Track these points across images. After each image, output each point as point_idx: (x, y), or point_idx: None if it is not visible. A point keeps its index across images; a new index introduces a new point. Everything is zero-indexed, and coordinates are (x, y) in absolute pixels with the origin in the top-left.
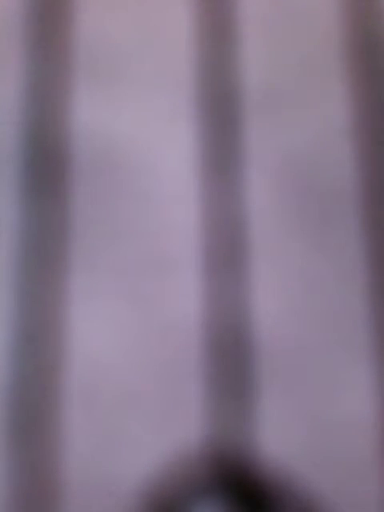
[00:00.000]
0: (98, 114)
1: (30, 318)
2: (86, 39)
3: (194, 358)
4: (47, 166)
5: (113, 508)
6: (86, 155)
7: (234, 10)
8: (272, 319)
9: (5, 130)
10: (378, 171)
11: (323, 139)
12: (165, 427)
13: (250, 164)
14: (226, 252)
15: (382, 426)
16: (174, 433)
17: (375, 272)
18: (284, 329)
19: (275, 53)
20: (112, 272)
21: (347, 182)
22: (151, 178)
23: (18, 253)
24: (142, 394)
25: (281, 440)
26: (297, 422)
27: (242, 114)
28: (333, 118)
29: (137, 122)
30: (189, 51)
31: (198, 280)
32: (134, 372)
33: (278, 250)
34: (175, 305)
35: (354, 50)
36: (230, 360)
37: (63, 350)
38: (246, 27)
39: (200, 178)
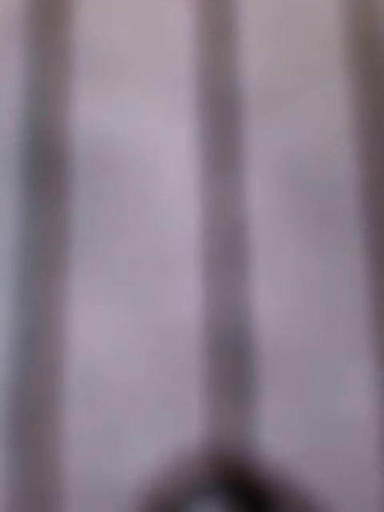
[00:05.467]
0: (97, 114)
1: (30, 319)
2: (85, 39)
3: (194, 358)
4: (47, 165)
5: (113, 508)
6: (86, 155)
7: (234, 10)
8: (272, 319)
9: (5, 130)
10: (378, 171)
11: (323, 139)
12: (165, 427)
13: (250, 164)
14: (226, 252)
15: (382, 426)
16: (174, 433)
17: (375, 272)
18: (284, 329)
19: (275, 53)
20: (112, 272)
21: (347, 182)
22: (151, 178)
23: (18, 253)
24: (142, 394)
25: (281, 440)
26: (297, 422)
27: (242, 113)
28: (333, 117)
29: (137, 122)
30: (189, 51)
31: (198, 280)
32: (134, 372)
33: (278, 250)
34: (175, 305)
35: (354, 49)
36: (230, 360)
37: (63, 351)
38: (245, 27)
39: (200, 178)
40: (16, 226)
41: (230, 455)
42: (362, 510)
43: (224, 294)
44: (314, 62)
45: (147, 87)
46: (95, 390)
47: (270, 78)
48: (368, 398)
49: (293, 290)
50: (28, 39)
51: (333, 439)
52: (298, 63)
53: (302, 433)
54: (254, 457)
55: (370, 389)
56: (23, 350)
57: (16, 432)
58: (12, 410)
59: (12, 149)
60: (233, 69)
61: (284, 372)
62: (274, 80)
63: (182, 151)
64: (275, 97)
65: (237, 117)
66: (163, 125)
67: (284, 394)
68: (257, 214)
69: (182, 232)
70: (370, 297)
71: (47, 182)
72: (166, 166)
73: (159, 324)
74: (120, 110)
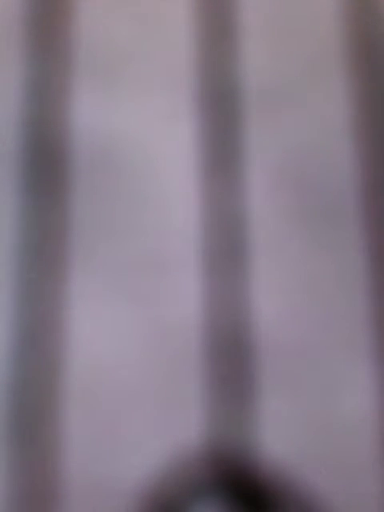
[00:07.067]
0: (97, 114)
1: (30, 318)
2: (86, 39)
3: (194, 358)
4: (47, 165)
5: (113, 508)
6: (86, 155)
7: (234, 9)
8: (272, 319)
9: (5, 130)
10: (378, 171)
11: (323, 139)
12: (165, 428)
13: (250, 163)
14: (226, 252)
15: (382, 426)
16: (174, 433)
17: (375, 271)
18: (284, 329)
19: (275, 52)
20: (112, 272)
21: (347, 182)
22: (151, 178)
23: (18, 253)
24: (142, 394)
25: (281, 440)
26: (297, 422)
27: (242, 113)
28: (333, 117)
29: (137, 122)
30: (189, 51)
31: (198, 280)
32: (134, 372)
33: (278, 250)
34: (175, 305)
35: (354, 49)
36: (230, 360)
37: (63, 350)
38: (246, 27)
39: (200, 177)
40: (16, 226)
41: (229, 455)
42: (362, 510)
43: (224, 294)
44: (314, 61)
45: (147, 87)
46: (95, 389)
47: (270, 78)
48: (368, 398)
49: (293, 290)
50: (28, 39)
51: (333, 439)
52: (298, 63)
53: (301, 433)
54: (253, 457)
55: (370, 389)
56: (23, 350)
57: (16, 432)
58: (12, 410)
59: (12, 149)
60: (233, 68)
61: (284, 372)
62: (274, 79)
63: (182, 150)
64: (275, 96)
65: (237, 116)
66: (163, 124)
67: (284, 393)
68: (257, 214)
69: (183, 231)
70: (369, 297)
71: (47, 182)
72: (167, 166)
73: (159, 324)
74: (120, 109)
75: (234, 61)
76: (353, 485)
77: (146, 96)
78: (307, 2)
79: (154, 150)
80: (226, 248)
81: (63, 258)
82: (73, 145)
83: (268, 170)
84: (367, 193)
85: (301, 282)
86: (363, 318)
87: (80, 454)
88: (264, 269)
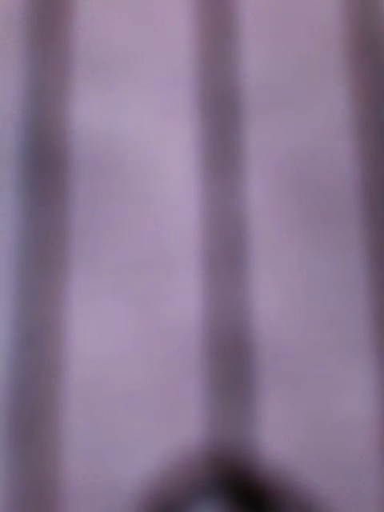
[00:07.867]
0: (97, 114)
1: (30, 318)
2: (86, 39)
3: (194, 358)
4: (47, 165)
5: (113, 508)
6: (86, 155)
7: (234, 8)
8: (272, 319)
9: (5, 130)
10: (378, 170)
11: (323, 139)
12: (165, 427)
13: (251, 164)
14: (226, 252)
15: (382, 427)
16: (174, 433)
17: (375, 272)
18: (284, 329)
19: (275, 52)
20: (112, 272)
21: (347, 182)
22: (151, 178)
23: (18, 253)
24: (142, 394)
25: (281, 440)
26: (297, 422)
27: (243, 113)
28: (333, 117)
29: (137, 122)
30: (189, 50)
31: (198, 280)
32: (134, 372)
33: (278, 250)
34: (175, 305)
35: (354, 49)
36: (230, 360)
37: (63, 350)
38: (245, 26)
39: (200, 177)
40: (16, 226)
41: (229, 455)
42: (362, 510)
43: (224, 294)
44: (314, 61)
45: (147, 86)
46: (95, 390)
47: (270, 78)
48: (368, 398)
49: (293, 290)
50: (27, 39)
51: (333, 439)
52: (298, 63)
53: (301, 433)
54: (253, 457)
55: (370, 389)
56: (23, 351)
57: (16, 432)
58: (12, 410)
59: (12, 149)
60: (233, 68)
61: (284, 372)
62: (274, 79)
63: (182, 151)
64: (276, 96)
65: (237, 116)
66: (163, 125)
67: (284, 394)
68: (257, 214)
69: (183, 232)
70: (369, 297)
71: (47, 182)
72: (167, 166)
73: (159, 323)
74: (120, 109)
75: (234, 61)
76: (353, 485)
77: (145, 96)
78: (307, 2)
79: (154, 150)
80: (226, 248)
81: (63, 258)
82: (73, 144)
83: (268, 170)
84: (367, 193)
85: (301, 282)
86: (363, 318)
87: (80, 453)
88: (264, 269)
